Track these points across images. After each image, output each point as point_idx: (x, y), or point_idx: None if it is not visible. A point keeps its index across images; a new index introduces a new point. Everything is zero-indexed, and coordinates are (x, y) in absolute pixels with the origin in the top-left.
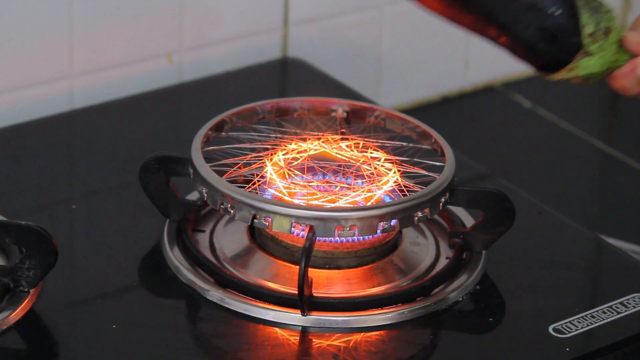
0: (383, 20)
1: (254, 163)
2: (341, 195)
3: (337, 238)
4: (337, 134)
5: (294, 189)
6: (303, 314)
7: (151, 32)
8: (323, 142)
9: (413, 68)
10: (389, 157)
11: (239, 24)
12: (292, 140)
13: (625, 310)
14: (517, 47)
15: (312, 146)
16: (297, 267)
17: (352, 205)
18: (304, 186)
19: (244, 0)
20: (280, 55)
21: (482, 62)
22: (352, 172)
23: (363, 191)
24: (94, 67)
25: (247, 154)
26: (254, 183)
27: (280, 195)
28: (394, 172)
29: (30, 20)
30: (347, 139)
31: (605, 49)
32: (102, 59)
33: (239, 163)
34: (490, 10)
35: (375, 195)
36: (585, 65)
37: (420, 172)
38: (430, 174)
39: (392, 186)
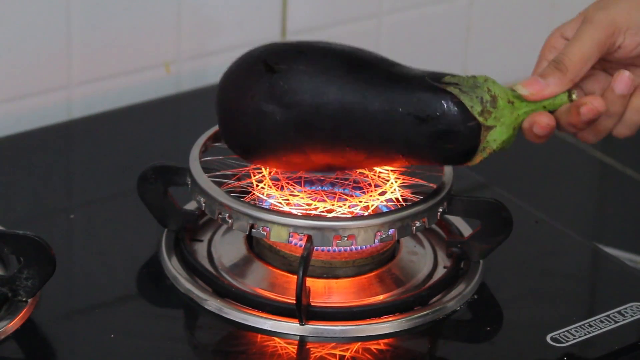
0: (381, 30)
1: (252, 174)
2: (339, 205)
3: (335, 248)
4: None
5: (292, 199)
6: (301, 323)
7: (149, 42)
8: None
9: None
10: (393, 165)
11: (237, 34)
12: None
13: (623, 319)
14: (426, 160)
15: None
16: (295, 276)
17: (350, 215)
18: (302, 196)
19: (241, 10)
20: None
21: (480, 70)
22: (350, 182)
23: (361, 201)
24: (92, 77)
25: (245, 165)
26: (252, 193)
27: (278, 205)
28: (392, 182)
29: (28, 31)
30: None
31: (501, 116)
32: (100, 69)
33: (237, 174)
34: (384, 144)
35: (373, 204)
36: (494, 139)
37: (418, 181)
38: (428, 183)
39: (389, 196)
